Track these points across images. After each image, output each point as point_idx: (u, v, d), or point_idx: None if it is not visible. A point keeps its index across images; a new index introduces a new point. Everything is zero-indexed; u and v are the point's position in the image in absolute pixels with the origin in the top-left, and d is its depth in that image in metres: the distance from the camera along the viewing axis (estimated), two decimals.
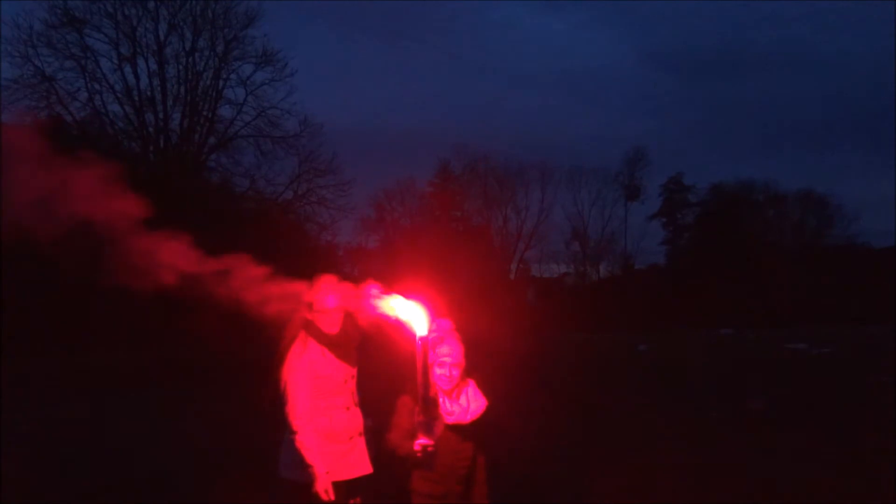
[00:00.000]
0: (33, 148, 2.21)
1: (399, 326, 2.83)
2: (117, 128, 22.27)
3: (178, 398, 10.69)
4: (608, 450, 6.90)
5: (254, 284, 2.89)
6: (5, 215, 2.22)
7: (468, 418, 3.01)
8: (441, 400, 3.02)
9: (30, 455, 6.88)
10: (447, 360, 3.02)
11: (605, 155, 67.22)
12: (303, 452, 3.12)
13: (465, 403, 3.03)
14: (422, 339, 2.72)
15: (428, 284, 3.02)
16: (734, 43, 57.37)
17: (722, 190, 42.06)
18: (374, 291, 2.94)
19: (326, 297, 3.27)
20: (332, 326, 3.31)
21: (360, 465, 3.33)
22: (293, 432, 3.16)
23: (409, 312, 2.80)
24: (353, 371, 3.40)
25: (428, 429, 2.80)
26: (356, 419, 3.38)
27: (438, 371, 3.02)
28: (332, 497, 3.09)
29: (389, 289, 2.93)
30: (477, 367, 3.17)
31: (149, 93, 22.42)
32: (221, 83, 23.38)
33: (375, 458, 3.36)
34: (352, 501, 3.33)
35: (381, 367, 3.71)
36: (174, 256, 2.63)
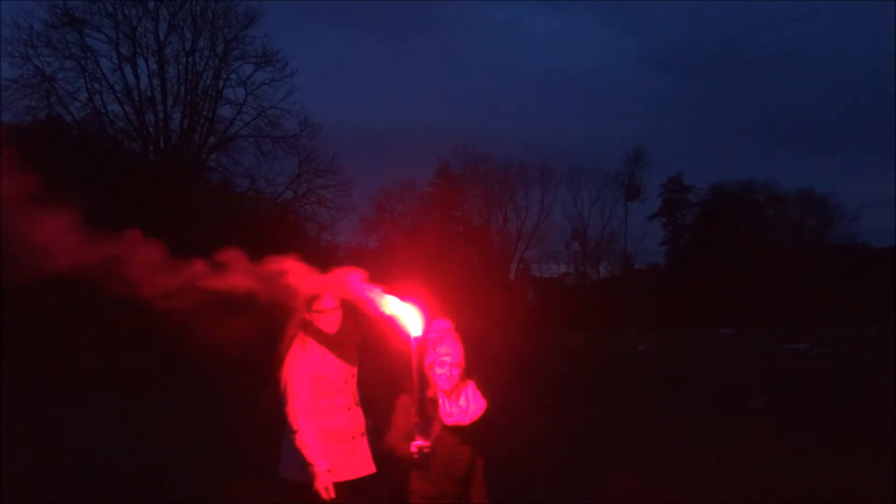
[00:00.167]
0: None
1: (394, 324, 2.81)
2: (117, 128, 22.25)
3: (179, 398, 10.69)
4: (608, 450, 6.90)
5: (152, 270, 2.56)
6: None
7: (467, 420, 2.99)
8: (440, 401, 3.00)
9: (30, 455, 6.88)
10: (447, 359, 2.99)
11: (605, 155, 67.14)
12: (303, 451, 3.11)
13: (464, 404, 3.01)
14: (416, 339, 2.71)
15: (424, 285, 3.00)
16: (734, 43, 57.44)
17: (722, 190, 42.08)
18: (370, 287, 2.91)
19: (325, 297, 3.27)
20: (331, 326, 3.30)
21: (362, 464, 3.33)
22: (293, 431, 3.15)
23: (403, 312, 2.79)
24: (354, 370, 3.40)
25: (425, 430, 2.80)
26: (358, 419, 3.38)
27: (438, 371, 3.00)
28: (333, 495, 3.08)
29: (383, 286, 2.90)
30: (476, 367, 3.16)
31: (149, 93, 22.41)
32: (221, 83, 23.37)
33: (376, 458, 3.36)
34: (354, 502, 3.32)
35: (380, 366, 3.71)
36: (58, 236, 2.28)
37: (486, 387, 3.11)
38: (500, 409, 3.20)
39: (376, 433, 3.35)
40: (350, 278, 2.90)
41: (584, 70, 58.24)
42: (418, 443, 2.78)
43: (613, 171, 41.79)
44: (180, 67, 22.77)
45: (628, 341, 22.86)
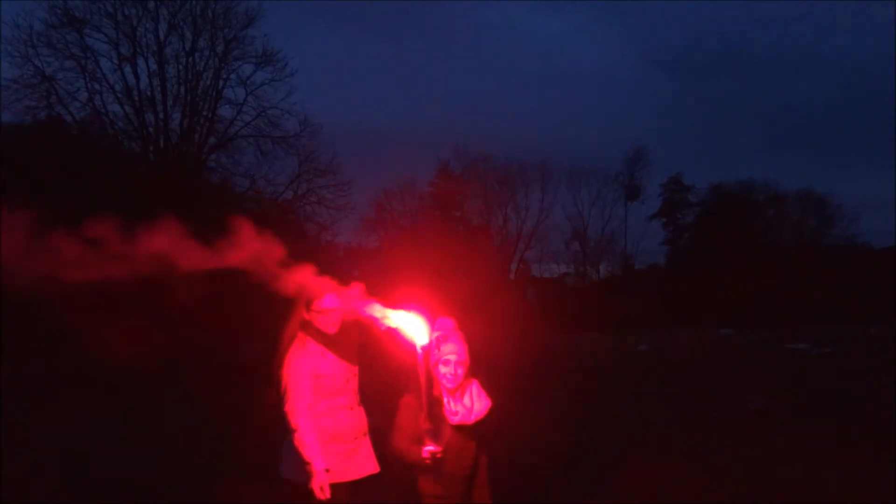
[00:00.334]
0: None
1: (398, 335, 2.81)
2: (117, 128, 22.24)
3: (179, 398, 10.69)
4: (608, 450, 6.90)
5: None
6: None
7: (472, 419, 2.98)
8: (445, 400, 3.00)
9: (30, 455, 6.87)
10: (452, 357, 2.98)
11: (605, 155, 67.16)
12: (302, 451, 3.11)
13: (469, 403, 3.00)
14: (423, 348, 2.71)
15: (426, 289, 2.99)
16: (734, 43, 57.41)
17: (722, 190, 42.06)
18: (372, 304, 2.90)
19: (325, 297, 3.27)
20: (330, 326, 3.30)
21: (365, 464, 3.33)
22: (293, 431, 3.15)
23: (407, 323, 2.79)
24: (355, 370, 3.40)
25: (436, 435, 2.81)
26: (360, 418, 3.38)
27: (443, 370, 2.98)
28: (328, 495, 3.08)
29: (385, 298, 2.89)
30: (480, 366, 3.15)
31: (149, 93, 22.41)
32: (221, 83, 23.36)
33: (380, 458, 3.36)
34: (355, 502, 3.32)
35: (380, 364, 3.70)
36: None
37: (489, 386, 3.11)
38: (501, 409, 3.19)
39: (375, 432, 3.35)
40: (351, 295, 2.91)
41: (584, 70, 58.29)
42: (430, 448, 2.78)
43: (613, 171, 41.81)
44: (180, 67, 22.77)
45: (628, 341, 22.86)
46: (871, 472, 5.77)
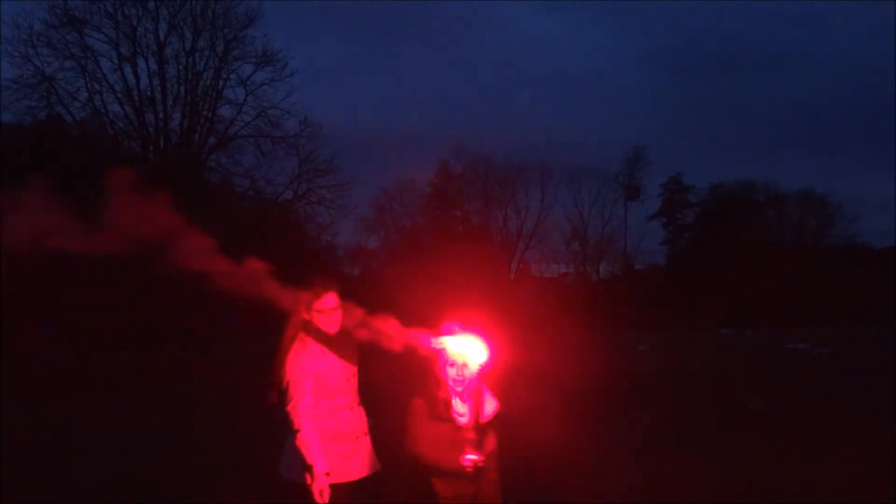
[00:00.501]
0: None
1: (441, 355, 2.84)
2: (117, 128, 22.30)
3: (179, 398, 10.68)
4: (608, 450, 6.89)
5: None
6: None
7: (480, 420, 2.99)
8: (453, 401, 3.00)
9: (30, 455, 6.88)
10: (458, 359, 3.00)
11: (605, 155, 67.26)
12: (303, 452, 3.12)
13: (476, 405, 3.02)
14: (482, 366, 2.75)
15: (480, 314, 3.01)
16: (734, 43, 57.46)
17: (722, 190, 42.08)
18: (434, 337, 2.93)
19: (325, 297, 3.27)
20: (331, 326, 3.30)
21: (366, 464, 3.33)
22: (294, 431, 3.16)
23: (467, 349, 2.83)
24: (355, 370, 3.40)
25: (478, 445, 2.83)
26: (361, 418, 3.38)
27: (451, 371, 3.00)
28: (326, 499, 3.09)
29: (456, 328, 2.92)
30: (488, 368, 3.15)
31: (149, 93, 22.46)
32: (221, 83, 23.42)
33: (386, 457, 3.36)
34: (356, 502, 3.32)
35: (379, 364, 3.70)
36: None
37: (497, 387, 3.11)
38: (508, 410, 3.20)
39: (374, 432, 3.36)
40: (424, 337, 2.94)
41: (584, 70, 58.30)
42: (472, 457, 2.81)
43: (613, 171, 41.86)
44: (180, 67, 22.82)
45: (628, 341, 22.85)
46: (870, 472, 5.77)
